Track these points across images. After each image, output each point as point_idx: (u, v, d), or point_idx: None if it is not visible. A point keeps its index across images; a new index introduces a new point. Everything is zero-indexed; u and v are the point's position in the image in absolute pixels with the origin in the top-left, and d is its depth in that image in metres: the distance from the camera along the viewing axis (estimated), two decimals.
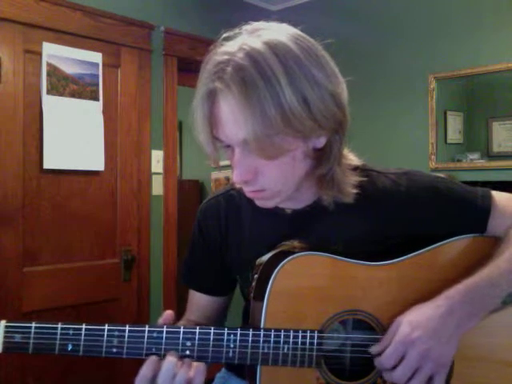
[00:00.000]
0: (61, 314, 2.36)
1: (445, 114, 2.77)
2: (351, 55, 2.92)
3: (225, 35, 0.82)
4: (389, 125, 2.96)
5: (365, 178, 0.94)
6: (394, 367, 0.83)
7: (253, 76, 0.75)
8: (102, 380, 2.52)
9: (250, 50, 0.77)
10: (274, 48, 0.77)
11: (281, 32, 0.81)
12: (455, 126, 2.77)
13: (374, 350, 0.86)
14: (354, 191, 0.91)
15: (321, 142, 0.85)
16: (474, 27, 2.63)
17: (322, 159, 0.87)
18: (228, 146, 0.83)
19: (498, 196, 0.97)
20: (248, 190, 0.88)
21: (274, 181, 0.85)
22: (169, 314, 0.87)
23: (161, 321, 0.86)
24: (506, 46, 2.53)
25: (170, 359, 0.81)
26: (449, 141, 2.78)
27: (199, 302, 1.09)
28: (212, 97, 0.79)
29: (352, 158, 0.96)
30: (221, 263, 1.05)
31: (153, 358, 0.82)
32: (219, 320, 1.11)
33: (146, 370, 0.81)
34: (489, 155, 2.64)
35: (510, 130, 2.57)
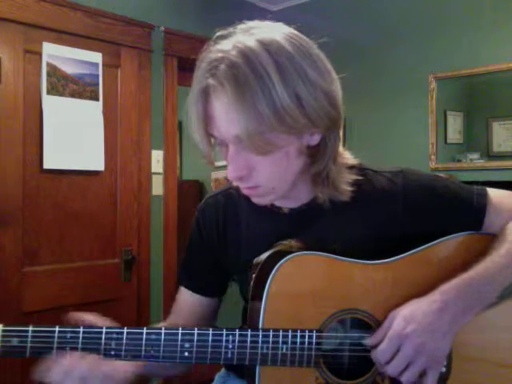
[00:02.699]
0: (61, 314, 2.35)
1: (445, 113, 2.78)
2: (351, 55, 2.92)
3: (219, 33, 0.83)
4: (389, 125, 2.96)
5: (361, 177, 0.94)
6: (390, 361, 0.83)
7: (245, 73, 0.75)
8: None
9: (243, 48, 0.77)
10: (267, 46, 0.78)
11: (274, 30, 0.81)
12: (455, 126, 2.77)
13: (368, 342, 0.86)
14: (350, 189, 0.91)
15: (314, 139, 0.85)
16: (474, 27, 2.63)
17: (317, 157, 0.87)
18: (222, 143, 0.84)
19: (494, 193, 0.98)
20: (243, 187, 0.88)
21: (268, 177, 0.85)
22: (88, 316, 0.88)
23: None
24: (505, 45, 2.53)
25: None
26: (449, 141, 2.78)
27: (189, 302, 1.06)
28: (206, 94, 0.80)
29: (348, 157, 0.96)
30: (218, 263, 1.04)
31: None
32: (209, 324, 1.08)
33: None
34: (489, 155, 2.64)
35: (509, 129, 2.57)
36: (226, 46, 0.80)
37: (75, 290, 2.42)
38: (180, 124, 3.58)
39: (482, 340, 0.92)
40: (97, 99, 2.50)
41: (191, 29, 2.92)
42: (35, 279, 2.31)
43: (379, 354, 0.83)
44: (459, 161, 2.72)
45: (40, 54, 2.32)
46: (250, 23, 0.84)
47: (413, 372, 0.83)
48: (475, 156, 2.67)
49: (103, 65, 2.52)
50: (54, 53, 2.35)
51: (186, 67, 2.86)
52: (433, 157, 2.78)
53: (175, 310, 1.08)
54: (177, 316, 1.07)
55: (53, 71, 2.35)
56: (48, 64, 2.34)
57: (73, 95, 2.41)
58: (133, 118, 2.67)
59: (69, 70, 2.40)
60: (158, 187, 2.81)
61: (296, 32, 0.83)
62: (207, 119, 0.81)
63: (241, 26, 0.83)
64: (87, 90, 2.46)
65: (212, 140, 0.84)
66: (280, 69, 0.76)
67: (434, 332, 0.83)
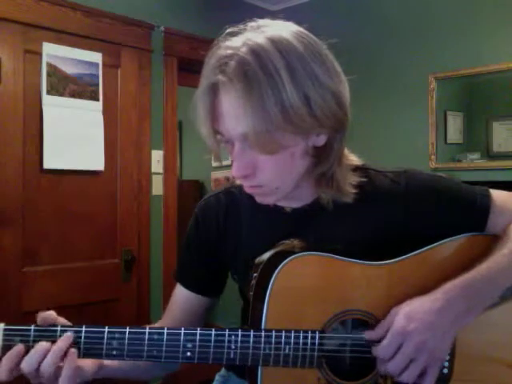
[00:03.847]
0: (61, 314, 2.33)
1: (445, 113, 2.77)
2: (351, 55, 2.89)
3: (229, 30, 0.83)
4: (389, 125, 2.96)
5: (364, 178, 0.94)
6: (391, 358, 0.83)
7: (255, 71, 0.75)
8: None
9: (254, 45, 0.77)
10: (278, 44, 0.77)
11: (285, 29, 0.81)
12: (455, 125, 2.77)
13: (368, 336, 0.86)
14: (354, 191, 0.91)
15: (321, 140, 0.85)
16: (474, 27, 2.63)
17: (322, 158, 0.87)
18: (229, 141, 0.84)
19: (496, 194, 0.97)
20: (246, 186, 0.88)
21: (272, 177, 0.85)
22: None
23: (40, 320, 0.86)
24: (506, 45, 2.53)
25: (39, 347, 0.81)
26: (449, 141, 2.78)
27: (181, 298, 1.06)
28: (214, 90, 0.80)
29: (353, 159, 0.96)
30: (214, 262, 1.04)
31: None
32: (198, 325, 1.05)
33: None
34: (489, 155, 2.64)
35: (510, 130, 2.57)
36: (235, 42, 0.79)
37: (75, 289, 2.42)
38: (180, 124, 3.58)
39: (485, 340, 0.92)
40: (97, 99, 2.50)
41: (191, 29, 2.92)
42: (35, 279, 2.31)
43: (381, 351, 0.83)
44: (459, 161, 2.72)
45: (40, 54, 2.32)
46: (260, 21, 0.84)
47: (413, 370, 0.83)
48: (475, 156, 2.67)
49: (103, 65, 2.52)
50: (53, 53, 2.35)
51: (186, 67, 2.86)
52: (433, 157, 2.77)
53: (169, 304, 1.08)
54: (168, 311, 1.07)
55: (53, 71, 2.35)
56: (48, 64, 2.33)
57: (73, 95, 2.41)
58: (133, 118, 2.67)
59: (69, 70, 2.40)
60: (158, 187, 2.81)
61: (306, 31, 0.83)
62: (214, 116, 0.81)
63: (251, 24, 0.83)
64: (87, 89, 2.46)
65: (218, 136, 0.84)
66: (290, 68, 0.76)
67: (435, 330, 0.83)
